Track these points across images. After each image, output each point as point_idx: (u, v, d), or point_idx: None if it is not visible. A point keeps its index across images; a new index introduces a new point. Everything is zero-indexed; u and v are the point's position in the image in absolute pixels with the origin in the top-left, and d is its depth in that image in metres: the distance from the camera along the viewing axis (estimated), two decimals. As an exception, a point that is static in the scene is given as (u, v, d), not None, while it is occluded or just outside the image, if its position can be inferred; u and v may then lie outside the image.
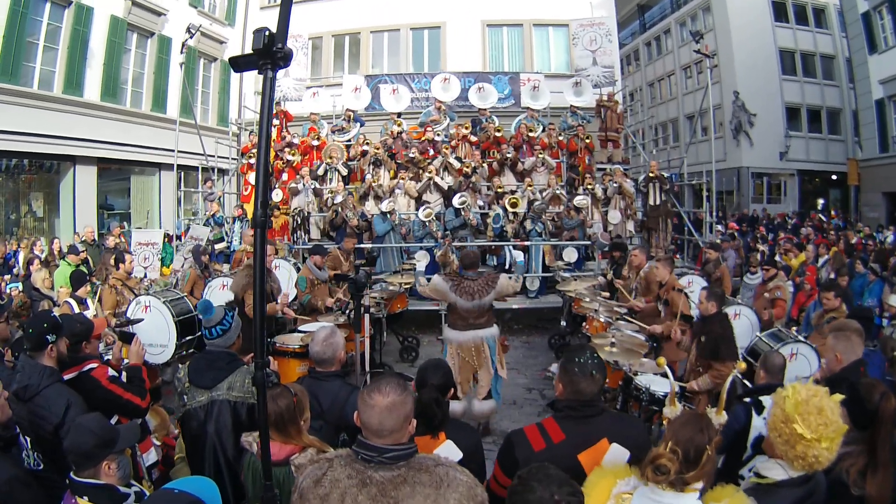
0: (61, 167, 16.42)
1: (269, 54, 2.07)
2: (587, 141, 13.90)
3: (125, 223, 16.87)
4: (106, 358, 4.59)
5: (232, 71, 19.09)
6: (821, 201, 29.14)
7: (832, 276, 9.71)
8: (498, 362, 6.16)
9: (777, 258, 11.54)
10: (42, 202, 16.82)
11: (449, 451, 2.87)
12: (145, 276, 11.62)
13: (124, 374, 4.11)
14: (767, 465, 2.47)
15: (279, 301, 6.78)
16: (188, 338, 6.33)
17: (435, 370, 3.32)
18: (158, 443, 4.25)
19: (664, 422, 3.15)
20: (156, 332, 6.16)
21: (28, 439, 3.26)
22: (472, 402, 6.12)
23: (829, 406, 2.31)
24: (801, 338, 6.01)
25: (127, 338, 4.50)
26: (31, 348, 3.57)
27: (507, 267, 11.13)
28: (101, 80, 16.72)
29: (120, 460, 2.80)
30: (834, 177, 29.12)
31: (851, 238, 15.80)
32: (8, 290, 8.57)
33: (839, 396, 2.39)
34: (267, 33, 2.05)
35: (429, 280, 6.55)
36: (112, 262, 8.51)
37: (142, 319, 5.92)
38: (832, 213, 25.64)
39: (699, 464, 2.14)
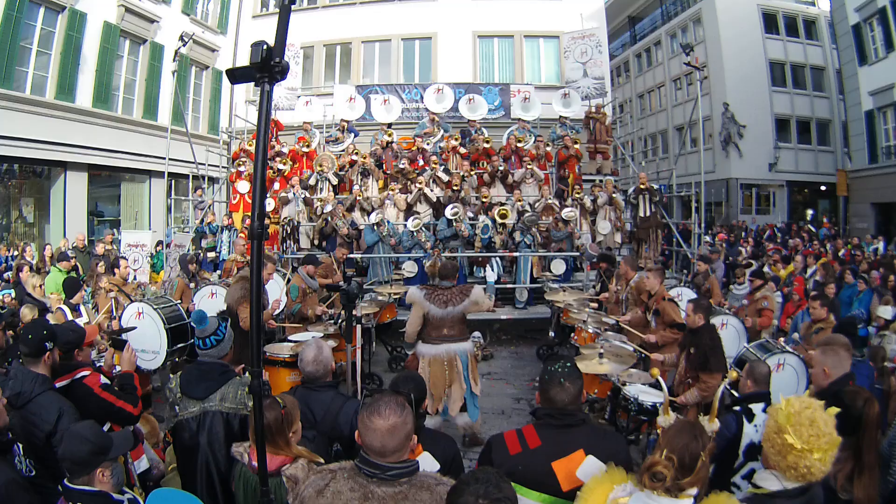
0: (52, 173, 16.34)
1: (266, 68, 2.06)
2: (575, 147, 13.85)
3: (115, 230, 16.81)
4: (98, 365, 4.59)
5: (223, 79, 19.09)
6: (810, 212, 29.28)
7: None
8: (471, 378, 6.09)
9: (766, 269, 11.60)
10: (33, 208, 16.75)
11: (426, 462, 2.90)
12: (134, 279, 11.56)
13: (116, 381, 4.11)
14: (763, 475, 2.51)
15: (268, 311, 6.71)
16: (179, 345, 6.36)
17: (406, 383, 3.34)
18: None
19: (658, 430, 3.20)
20: (148, 339, 6.19)
21: (20, 446, 3.26)
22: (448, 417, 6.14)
23: (821, 418, 2.34)
24: (788, 348, 6.08)
25: (119, 345, 4.50)
26: (28, 355, 3.52)
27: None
28: (94, 86, 16.68)
29: (113, 467, 2.84)
30: (823, 187, 29.35)
31: (840, 248, 15.91)
32: (1, 297, 8.51)
33: (834, 410, 2.42)
34: (265, 47, 2.04)
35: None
36: (101, 268, 8.51)
37: (135, 328, 5.93)
38: (815, 223, 25.85)
39: (694, 470, 2.19)
